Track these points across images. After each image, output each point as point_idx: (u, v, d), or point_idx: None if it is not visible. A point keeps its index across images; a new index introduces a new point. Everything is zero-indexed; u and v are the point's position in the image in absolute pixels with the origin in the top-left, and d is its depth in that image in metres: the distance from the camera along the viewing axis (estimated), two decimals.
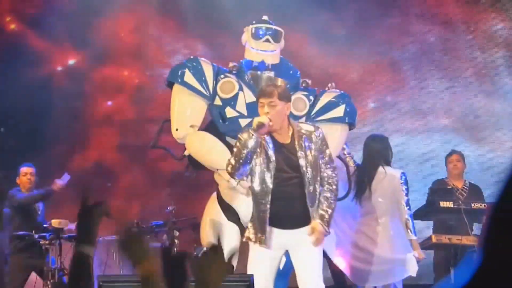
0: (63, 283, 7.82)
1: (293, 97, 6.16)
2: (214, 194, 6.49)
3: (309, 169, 5.20)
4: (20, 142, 10.02)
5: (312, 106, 6.50)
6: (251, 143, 5.11)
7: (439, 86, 9.82)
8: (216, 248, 2.61)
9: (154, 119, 10.53)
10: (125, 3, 10.83)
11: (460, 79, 9.85)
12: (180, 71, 6.50)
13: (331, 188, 5.27)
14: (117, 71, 11.06)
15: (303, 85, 6.58)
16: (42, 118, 10.27)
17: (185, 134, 6.35)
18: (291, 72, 6.68)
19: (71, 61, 11.29)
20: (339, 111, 6.45)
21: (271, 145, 5.22)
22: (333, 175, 5.32)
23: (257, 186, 5.25)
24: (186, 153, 6.47)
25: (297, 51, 9.49)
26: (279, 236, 5.27)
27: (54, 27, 10.93)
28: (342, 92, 6.66)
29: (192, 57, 6.86)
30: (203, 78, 6.43)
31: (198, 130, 6.45)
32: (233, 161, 5.20)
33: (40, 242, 7.95)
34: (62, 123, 10.20)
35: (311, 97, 6.53)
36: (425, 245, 7.42)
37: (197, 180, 7.45)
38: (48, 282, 7.79)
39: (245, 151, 5.12)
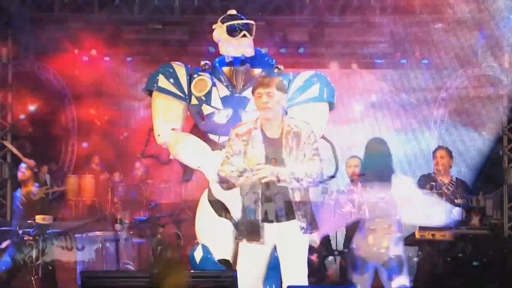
0: (46, 279, 7.83)
1: None
2: (205, 191, 6.47)
3: (294, 165, 5.23)
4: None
5: (287, 89, 6.41)
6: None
7: (423, 78, 9.72)
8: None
9: (135, 152, 10.27)
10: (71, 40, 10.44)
11: (442, 67, 9.78)
12: (154, 78, 6.63)
13: (311, 180, 5.27)
14: (84, 111, 10.76)
15: (275, 71, 6.61)
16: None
17: (167, 138, 6.42)
18: (265, 59, 6.73)
19: (32, 107, 10.87)
20: (314, 91, 6.46)
21: (261, 139, 5.28)
22: (316, 168, 5.30)
23: (246, 180, 5.28)
24: (171, 156, 6.53)
25: None
26: (267, 231, 5.29)
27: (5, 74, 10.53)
28: (317, 72, 6.68)
29: (165, 63, 6.94)
30: (177, 81, 6.57)
31: (182, 132, 6.52)
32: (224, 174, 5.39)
33: (24, 238, 7.89)
34: None
35: (285, 82, 6.41)
36: (409, 241, 7.37)
37: None
38: (33, 278, 7.80)
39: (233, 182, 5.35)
